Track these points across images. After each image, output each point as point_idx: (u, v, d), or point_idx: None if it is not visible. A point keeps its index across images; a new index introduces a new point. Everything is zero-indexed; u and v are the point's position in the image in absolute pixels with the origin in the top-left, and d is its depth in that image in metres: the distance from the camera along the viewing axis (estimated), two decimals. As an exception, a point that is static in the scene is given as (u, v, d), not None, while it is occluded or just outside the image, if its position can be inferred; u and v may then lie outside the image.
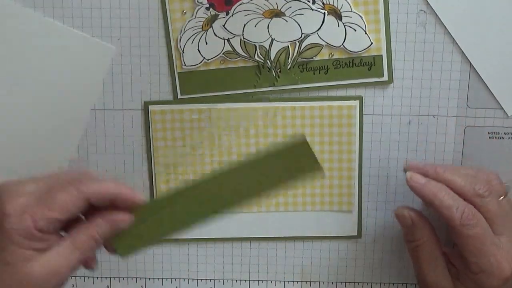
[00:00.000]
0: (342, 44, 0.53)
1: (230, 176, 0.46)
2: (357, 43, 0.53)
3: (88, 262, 0.48)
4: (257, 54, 0.53)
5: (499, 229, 0.48)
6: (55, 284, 0.44)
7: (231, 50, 0.53)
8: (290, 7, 0.52)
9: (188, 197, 0.46)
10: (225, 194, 0.46)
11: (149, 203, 0.47)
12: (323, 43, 0.53)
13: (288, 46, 0.53)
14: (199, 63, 0.53)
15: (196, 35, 0.53)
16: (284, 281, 0.58)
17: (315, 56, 0.53)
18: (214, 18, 0.52)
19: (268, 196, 0.47)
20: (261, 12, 0.52)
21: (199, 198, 0.46)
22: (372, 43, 0.53)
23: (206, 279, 0.58)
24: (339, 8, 0.52)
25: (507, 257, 0.47)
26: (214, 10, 0.52)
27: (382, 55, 0.53)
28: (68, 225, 0.45)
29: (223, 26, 0.52)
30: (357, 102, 0.54)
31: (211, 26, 0.52)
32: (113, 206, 0.45)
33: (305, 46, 0.53)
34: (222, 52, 0.53)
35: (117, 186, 0.45)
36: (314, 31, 0.52)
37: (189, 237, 0.57)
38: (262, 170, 0.46)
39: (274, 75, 0.54)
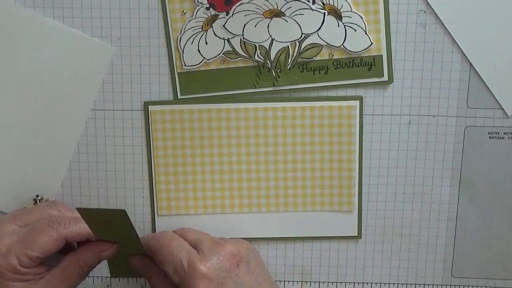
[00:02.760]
0: (342, 44, 0.53)
1: None
2: (357, 43, 0.53)
3: None
4: (257, 54, 0.53)
5: (193, 241, 0.51)
6: None
7: (231, 50, 0.53)
8: (290, 7, 0.52)
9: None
10: None
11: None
12: (323, 43, 0.53)
13: (288, 46, 0.53)
14: (199, 63, 0.53)
15: (196, 35, 0.53)
16: (284, 281, 0.58)
17: (315, 56, 0.53)
18: (214, 18, 0.52)
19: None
20: (261, 12, 0.52)
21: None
22: (372, 43, 0.53)
23: (206, 279, 0.58)
24: (339, 8, 0.52)
25: (199, 258, 0.48)
26: (214, 10, 0.52)
27: (382, 55, 0.53)
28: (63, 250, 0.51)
29: (223, 26, 0.52)
30: (357, 102, 0.54)
31: (211, 26, 0.52)
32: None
33: (305, 46, 0.53)
34: (222, 52, 0.53)
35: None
36: (314, 31, 0.52)
37: (189, 237, 0.57)
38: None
39: (274, 75, 0.54)
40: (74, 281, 0.50)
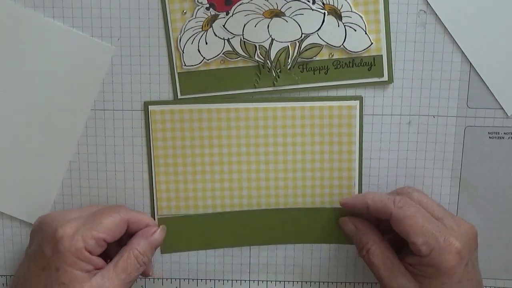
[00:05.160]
0: (342, 44, 0.53)
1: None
2: (357, 43, 0.53)
3: (144, 272, 0.52)
4: (257, 54, 0.53)
5: (436, 215, 0.49)
6: None
7: (231, 50, 0.53)
8: (290, 7, 0.52)
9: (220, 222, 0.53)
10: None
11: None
12: (323, 43, 0.53)
13: (288, 46, 0.53)
14: (199, 63, 0.53)
15: (196, 35, 0.53)
16: (284, 281, 0.58)
17: (315, 56, 0.53)
18: (214, 18, 0.52)
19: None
20: (261, 12, 0.52)
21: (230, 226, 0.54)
22: (372, 43, 0.53)
23: (206, 279, 0.58)
24: (339, 8, 0.52)
25: (452, 234, 0.47)
26: (214, 10, 0.52)
27: (382, 55, 0.53)
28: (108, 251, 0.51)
29: (223, 26, 0.52)
30: (357, 102, 0.54)
31: (211, 26, 0.52)
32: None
33: (305, 46, 0.53)
34: (222, 52, 0.53)
35: (150, 218, 0.53)
36: (314, 31, 0.53)
37: (189, 237, 0.57)
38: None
39: (274, 75, 0.54)
40: (129, 273, 0.49)
